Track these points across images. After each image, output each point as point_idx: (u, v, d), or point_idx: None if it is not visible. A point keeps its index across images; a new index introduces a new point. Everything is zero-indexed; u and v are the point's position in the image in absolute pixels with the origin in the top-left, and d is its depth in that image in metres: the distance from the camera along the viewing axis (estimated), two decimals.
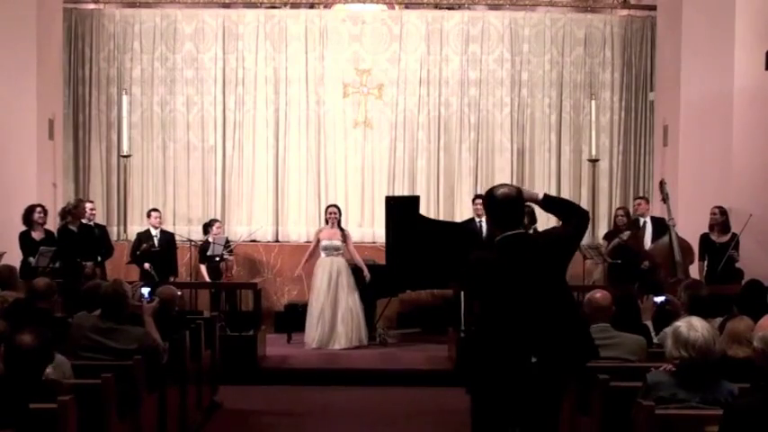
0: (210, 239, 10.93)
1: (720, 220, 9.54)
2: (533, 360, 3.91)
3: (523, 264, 3.99)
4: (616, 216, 10.67)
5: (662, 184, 9.79)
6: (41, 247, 9.32)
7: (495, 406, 4.05)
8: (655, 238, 9.96)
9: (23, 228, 9.60)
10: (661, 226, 9.98)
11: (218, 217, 11.85)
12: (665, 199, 9.56)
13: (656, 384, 4.09)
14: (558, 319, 3.98)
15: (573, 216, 4.21)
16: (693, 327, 4.01)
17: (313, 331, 10.05)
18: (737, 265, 9.39)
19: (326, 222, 10.45)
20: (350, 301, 10.08)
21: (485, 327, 4.10)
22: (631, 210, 10.96)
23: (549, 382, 3.98)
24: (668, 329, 4.11)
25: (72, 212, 9.84)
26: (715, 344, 4.04)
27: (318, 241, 10.28)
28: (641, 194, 11.89)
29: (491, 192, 4.16)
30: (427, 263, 9.77)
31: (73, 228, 9.82)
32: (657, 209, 10.73)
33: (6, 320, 4.80)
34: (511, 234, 4.06)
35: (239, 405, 7.89)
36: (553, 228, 4.65)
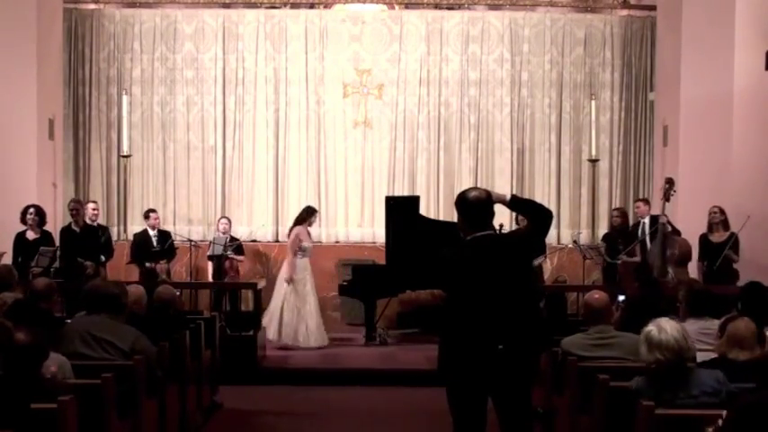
0: (211, 239, 10.98)
1: (720, 219, 9.49)
2: (500, 347, 4.20)
3: (492, 261, 4.30)
4: (612, 217, 10.66)
5: (670, 183, 9.59)
6: (41, 248, 9.33)
7: (467, 387, 4.30)
8: (654, 237, 9.83)
9: (22, 228, 9.62)
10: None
11: (219, 217, 11.85)
12: (666, 197, 9.44)
13: (640, 391, 4.14)
14: (521, 311, 4.29)
15: (538, 216, 4.47)
16: (663, 329, 4.09)
17: (278, 329, 9.96)
18: (735, 265, 9.37)
19: (310, 225, 10.36)
20: (313, 302, 10.08)
21: (453, 318, 4.38)
22: (631, 213, 10.91)
23: (516, 365, 4.26)
24: (641, 335, 4.17)
25: (71, 214, 9.92)
26: (686, 341, 4.11)
27: (301, 243, 10.15)
28: (641, 196, 11.88)
29: (463, 195, 4.44)
30: (427, 263, 9.73)
31: (76, 228, 9.82)
32: (659, 207, 10.65)
33: (7, 321, 4.79)
34: (481, 234, 4.36)
35: (239, 405, 7.89)
36: (518, 228, 4.86)
